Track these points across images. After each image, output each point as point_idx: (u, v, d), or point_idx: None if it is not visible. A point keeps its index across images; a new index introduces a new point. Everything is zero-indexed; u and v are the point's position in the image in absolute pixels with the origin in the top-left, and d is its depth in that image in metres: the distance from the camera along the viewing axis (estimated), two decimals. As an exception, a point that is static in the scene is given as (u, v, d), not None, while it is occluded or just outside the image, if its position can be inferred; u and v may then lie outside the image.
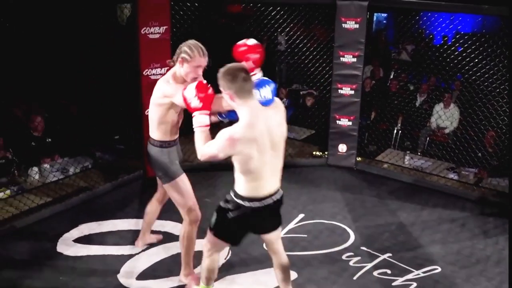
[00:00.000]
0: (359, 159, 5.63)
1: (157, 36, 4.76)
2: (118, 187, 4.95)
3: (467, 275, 3.69)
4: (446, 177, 5.46)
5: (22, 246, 3.91)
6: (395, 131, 6.75)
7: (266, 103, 2.69)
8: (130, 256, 3.78)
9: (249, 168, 2.54)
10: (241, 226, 2.78)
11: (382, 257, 3.88)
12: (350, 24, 5.15)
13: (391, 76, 8.21)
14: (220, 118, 3.12)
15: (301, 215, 4.45)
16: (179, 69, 2.98)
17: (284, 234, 4.13)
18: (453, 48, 6.22)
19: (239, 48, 2.98)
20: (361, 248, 4.00)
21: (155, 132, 3.15)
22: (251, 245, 3.93)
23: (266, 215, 2.75)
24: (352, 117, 5.42)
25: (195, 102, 2.66)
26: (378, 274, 3.66)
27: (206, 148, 2.61)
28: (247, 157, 2.49)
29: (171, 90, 2.94)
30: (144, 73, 4.74)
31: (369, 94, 7.11)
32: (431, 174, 5.51)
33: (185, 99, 2.69)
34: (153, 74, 4.72)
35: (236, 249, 3.87)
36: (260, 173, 2.57)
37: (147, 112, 3.33)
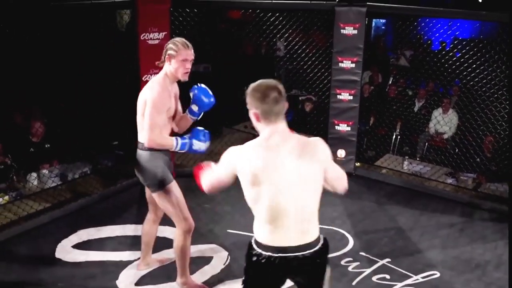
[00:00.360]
0: (358, 164, 5.64)
1: (156, 42, 4.78)
2: (117, 193, 4.95)
3: (466, 280, 3.69)
4: (444, 182, 5.47)
5: (21, 252, 3.90)
6: (394, 136, 6.76)
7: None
8: (129, 262, 3.77)
9: (255, 205, 2.17)
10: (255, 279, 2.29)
11: (381, 262, 3.87)
12: (349, 30, 5.17)
13: (390, 82, 8.23)
14: (190, 115, 3.16)
15: (300, 221, 4.44)
16: (168, 67, 3.00)
17: (283, 239, 4.12)
18: (451, 53, 6.25)
19: None
20: (360, 253, 3.99)
21: (142, 133, 3.04)
22: (250, 250, 3.94)
23: (286, 273, 2.24)
24: (351, 123, 5.43)
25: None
26: (377, 279, 3.65)
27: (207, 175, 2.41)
28: (249, 184, 2.14)
29: (151, 95, 2.94)
30: (143, 78, 4.76)
31: (368, 99, 7.13)
32: (429, 179, 5.52)
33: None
34: (151, 80, 4.72)
35: (236, 254, 3.87)
36: (271, 215, 2.13)
37: None
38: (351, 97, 5.36)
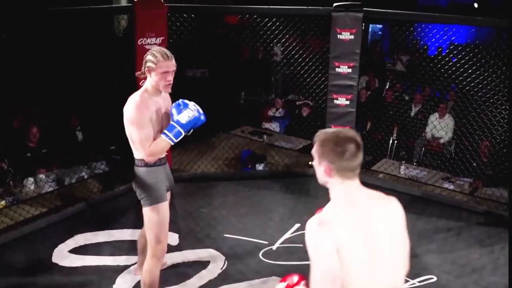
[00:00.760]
0: (355, 169, 5.64)
1: (154, 47, 4.78)
2: (114, 198, 4.94)
3: (463, 284, 3.70)
4: (441, 186, 5.49)
5: (17, 257, 3.89)
6: (391, 141, 6.78)
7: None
8: (126, 266, 3.77)
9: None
10: None
11: (378, 266, 3.87)
12: (345, 35, 5.19)
13: (387, 87, 8.27)
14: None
15: (298, 225, 4.45)
16: (149, 80, 2.85)
17: (281, 243, 4.13)
18: (447, 58, 6.28)
19: None
20: (357, 258, 3.99)
21: (137, 151, 2.92)
22: (247, 255, 3.94)
23: None
24: (347, 127, 5.45)
25: None
26: (374, 284, 3.65)
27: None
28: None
29: (126, 113, 2.81)
30: (140, 83, 4.74)
31: (365, 104, 7.16)
32: (426, 184, 5.53)
33: None
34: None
35: (233, 259, 3.87)
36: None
37: None
38: (348, 102, 5.38)
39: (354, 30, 5.17)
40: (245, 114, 7.78)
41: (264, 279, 3.57)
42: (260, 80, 8.33)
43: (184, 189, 5.10)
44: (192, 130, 2.96)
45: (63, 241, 4.10)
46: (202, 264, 3.82)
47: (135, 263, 3.72)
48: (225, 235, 4.28)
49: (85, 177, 5.28)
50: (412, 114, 7.17)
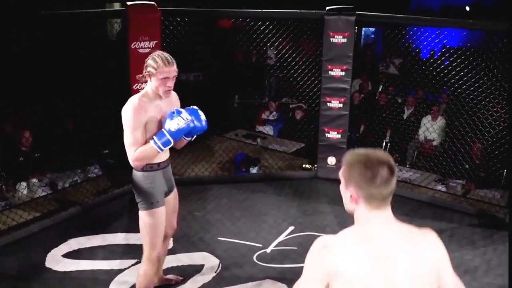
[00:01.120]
0: (348, 171, 5.66)
1: (147, 50, 4.78)
2: (108, 201, 4.92)
3: (456, 286, 3.71)
4: (434, 188, 5.52)
5: (10, 261, 3.87)
6: (384, 143, 6.81)
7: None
8: (120, 270, 3.76)
9: None
10: None
11: (372, 269, 3.88)
12: (338, 38, 5.22)
13: (379, 90, 8.31)
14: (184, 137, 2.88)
15: (291, 228, 4.45)
16: (149, 84, 2.82)
17: (274, 246, 4.13)
18: (439, 61, 6.32)
19: None
20: (351, 260, 4.00)
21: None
22: (241, 258, 3.94)
23: None
24: (341, 130, 5.47)
25: None
26: (368, 286, 3.66)
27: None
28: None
29: (123, 115, 2.77)
30: (134, 87, 4.75)
31: (358, 107, 7.19)
32: (419, 186, 5.56)
33: None
34: (143, 89, 4.73)
35: (227, 262, 3.87)
36: None
37: None
38: (341, 105, 5.40)
39: (347, 34, 5.20)
40: (239, 117, 7.80)
41: (258, 282, 3.57)
42: (253, 83, 8.34)
43: (178, 192, 5.08)
44: (195, 136, 2.97)
45: (56, 245, 4.09)
46: (196, 268, 3.82)
47: (130, 267, 3.72)
48: (219, 238, 4.28)
49: (79, 181, 5.26)
50: (405, 116, 7.21)
